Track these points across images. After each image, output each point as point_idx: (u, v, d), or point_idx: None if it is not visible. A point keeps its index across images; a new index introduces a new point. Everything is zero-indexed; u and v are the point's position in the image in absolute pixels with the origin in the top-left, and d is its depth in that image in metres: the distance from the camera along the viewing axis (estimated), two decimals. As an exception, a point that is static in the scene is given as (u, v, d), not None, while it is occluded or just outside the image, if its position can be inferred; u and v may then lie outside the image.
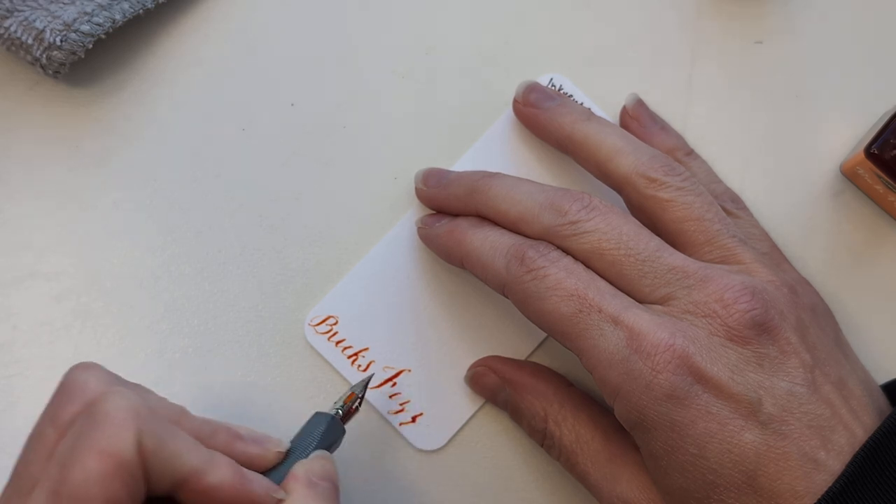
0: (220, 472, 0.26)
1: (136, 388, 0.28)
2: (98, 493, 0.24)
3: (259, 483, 0.27)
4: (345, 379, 0.36)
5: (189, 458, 0.26)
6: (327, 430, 0.31)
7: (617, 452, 0.32)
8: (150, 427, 0.25)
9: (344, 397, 0.32)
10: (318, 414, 0.31)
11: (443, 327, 0.37)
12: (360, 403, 0.33)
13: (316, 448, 0.30)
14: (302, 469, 0.29)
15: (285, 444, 0.30)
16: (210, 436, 0.28)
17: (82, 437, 0.25)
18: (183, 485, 0.26)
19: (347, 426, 0.32)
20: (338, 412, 0.32)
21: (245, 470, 0.27)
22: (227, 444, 0.28)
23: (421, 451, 0.36)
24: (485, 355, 0.36)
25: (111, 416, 0.25)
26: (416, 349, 0.37)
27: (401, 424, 0.36)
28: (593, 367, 0.30)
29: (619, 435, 0.32)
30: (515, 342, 0.37)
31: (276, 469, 0.29)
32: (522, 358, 0.37)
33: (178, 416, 0.28)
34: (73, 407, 0.26)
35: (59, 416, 0.26)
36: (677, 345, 0.28)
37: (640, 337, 0.29)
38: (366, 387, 0.33)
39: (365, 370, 0.36)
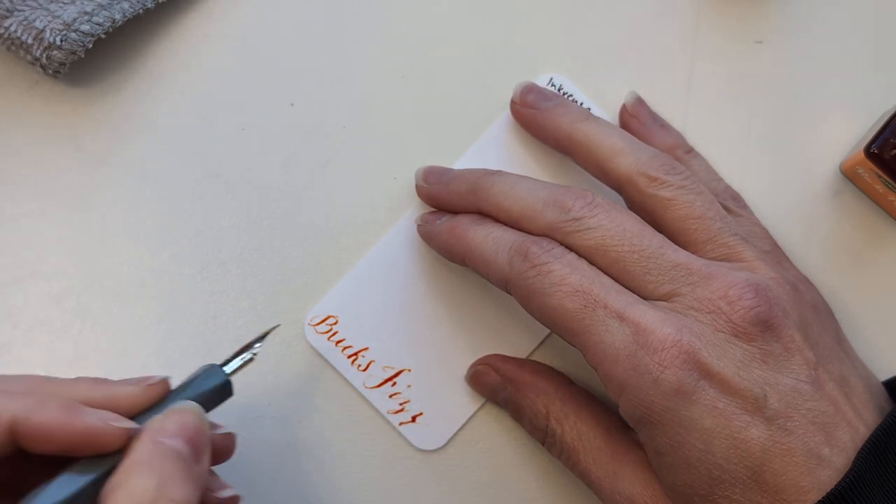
0: (47, 411, 0.26)
1: None
2: None
3: (94, 415, 0.27)
4: (345, 379, 0.36)
5: (8, 406, 0.26)
6: (204, 378, 0.30)
7: (619, 450, 0.32)
8: None
9: (240, 348, 0.31)
10: (207, 365, 0.30)
11: (443, 327, 0.37)
12: (253, 355, 0.31)
13: (195, 397, 0.29)
14: (153, 424, 0.27)
15: (161, 378, 0.29)
16: (71, 387, 0.28)
17: None
18: (15, 432, 0.26)
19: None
20: (225, 362, 0.31)
21: (81, 406, 0.27)
22: (89, 390, 0.28)
23: (421, 451, 0.36)
24: (485, 354, 0.36)
25: None
26: (416, 349, 0.37)
27: (401, 424, 0.36)
28: (598, 362, 0.30)
29: (621, 433, 0.32)
30: (516, 341, 0.37)
31: (155, 409, 0.28)
32: (523, 356, 0.37)
33: (34, 384, 0.28)
34: None
35: None
36: (684, 340, 0.28)
37: (647, 333, 0.29)
38: (263, 338, 0.32)
39: (365, 370, 0.36)
